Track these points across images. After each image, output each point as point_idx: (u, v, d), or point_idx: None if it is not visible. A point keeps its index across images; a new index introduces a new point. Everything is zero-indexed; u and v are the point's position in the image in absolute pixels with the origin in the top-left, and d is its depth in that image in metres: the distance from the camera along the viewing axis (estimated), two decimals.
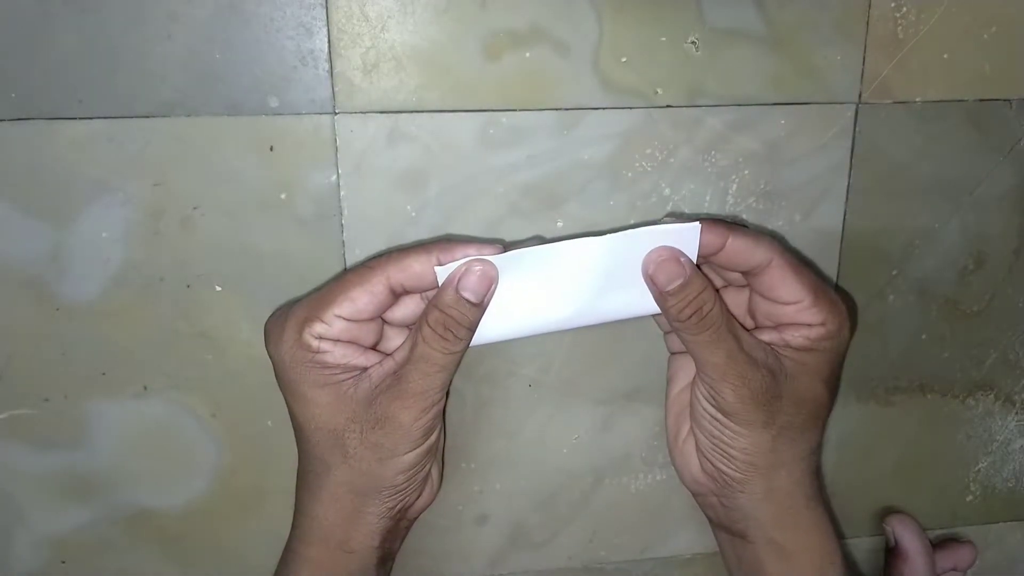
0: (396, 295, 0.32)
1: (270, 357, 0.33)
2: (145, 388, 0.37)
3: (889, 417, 0.44)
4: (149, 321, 0.36)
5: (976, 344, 0.43)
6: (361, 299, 0.31)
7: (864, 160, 0.39)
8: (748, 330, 0.33)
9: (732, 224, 0.32)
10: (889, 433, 0.44)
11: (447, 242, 0.31)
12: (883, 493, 0.45)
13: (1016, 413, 0.45)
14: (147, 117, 0.34)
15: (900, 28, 0.38)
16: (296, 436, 0.34)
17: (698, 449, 0.35)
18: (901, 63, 0.38)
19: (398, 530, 0.35)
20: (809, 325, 0.32)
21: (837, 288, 0.41)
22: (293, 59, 0.34)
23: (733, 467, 0.34)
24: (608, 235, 0.31)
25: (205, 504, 0.39)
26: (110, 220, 0.35)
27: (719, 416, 0.33)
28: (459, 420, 0.40)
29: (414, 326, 0.32)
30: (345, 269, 0.36)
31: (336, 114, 0.35)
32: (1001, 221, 0.41)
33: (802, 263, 0.33)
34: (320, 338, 0.31)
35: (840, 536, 0.39)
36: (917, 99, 0.39)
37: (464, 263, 0.30)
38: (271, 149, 0.35)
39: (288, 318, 0.32)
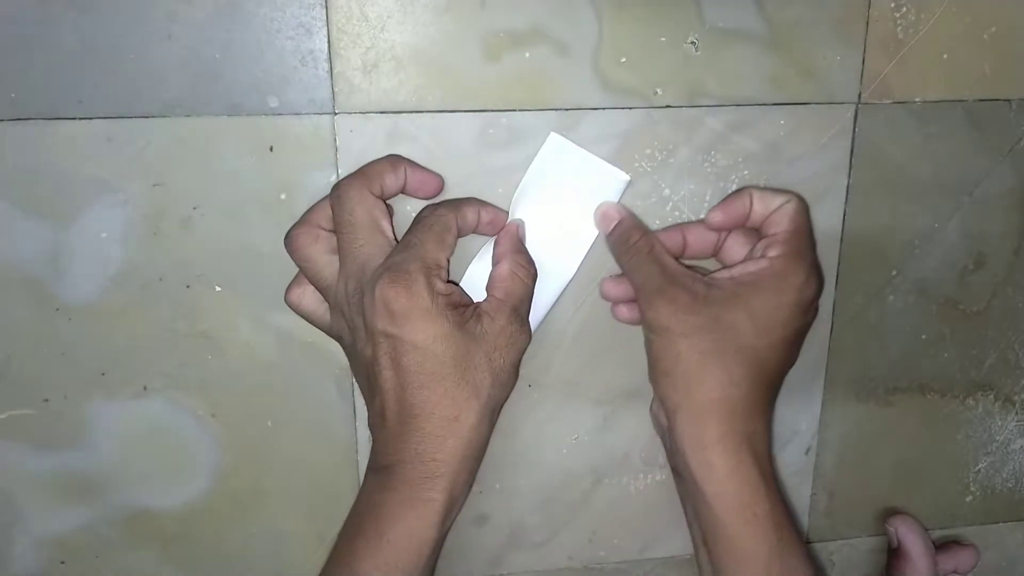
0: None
1: (403, 320, 0.32)
2: (145, 388, 0.37)
3: (889, 417, 0.44)
4: (149, 321, 0.36)
5: (976, 344, 0.43)
6: (446, 251, 0.34)
7: (864, 160, 0.39)
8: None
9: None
10: (889, 433, 0.44)
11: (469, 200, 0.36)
12: (883, 493, 0.45)
13: (1016, 413, 0.45)
14: (147, 117, 0.34)
15: (900, 28, 0.38)
16: (430, 399, 0.33)
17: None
18: (901, 63, 0.38)
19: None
20: (773, 235, 0.36)
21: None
22: (293, 59, 0.34)
23: (661, 381, 0.35)
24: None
25: (205, 504, 0.39)
26: (110, 220, 0.35)
27: (649, 335, 0.36)
28: None
29: (495, 287, 0.35)
30: (421, 228, 0.35)
31: (336, 114, 0.35)
32: (1001, 221, 0.41)
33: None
34: (446, 283, 0.34)
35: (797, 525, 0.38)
36: (917, 99, 0.39)
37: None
38: (271, 149, 0.35)
39: (412, 278, 0.32)
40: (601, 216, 0.38)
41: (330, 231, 0.35)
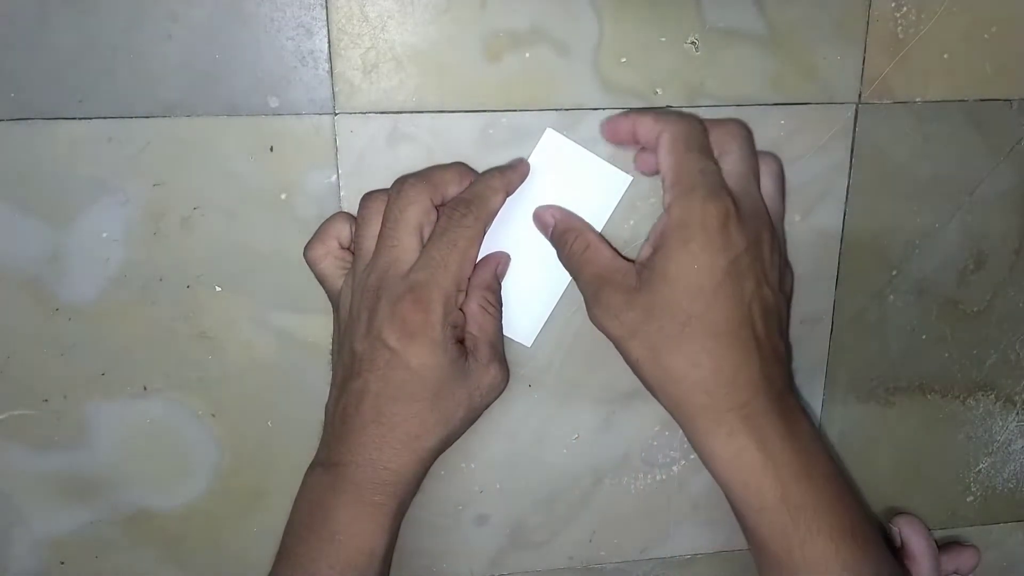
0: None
1: (408, 341, 0.33)
2: (145, 388, 0.37)
3: (889, 417, 0.44)
4: (149, 321, 0.36)
5: (976, 344, 0.43)
6: (469, 268, 0.35)
7: (864, 160, 0.39)
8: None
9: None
10: (889, 433, 0.44)
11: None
12: (883, 493, 0.45)
13: (1017, 413, 0.45)
14: (147, 117, 0.34)
15: (900, 28, 0.38)
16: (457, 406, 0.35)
17: None
18: (901, 63, 0.38)
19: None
20: (663, 177, 0.34)
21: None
22: (293, 59, 0.34)
23: (648, 388, 0.35)
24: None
25: (205, 504, 0.39)
26: (110, 220, 0.35)
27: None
28: None
29: (468, 321, 0.36)
30: (445, 243, 0.34)
31: (336, 114, 0.35)
32: (1001, 221, 0.41)
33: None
34: (459, 311, 0.35)
35: None
36: (917, 99, 0.39)
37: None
38: (271, 149, 0.35)
39: (432, 306, 0.33)
40: (536, 220, 0.37)
41: (343, 248, 0.35)
